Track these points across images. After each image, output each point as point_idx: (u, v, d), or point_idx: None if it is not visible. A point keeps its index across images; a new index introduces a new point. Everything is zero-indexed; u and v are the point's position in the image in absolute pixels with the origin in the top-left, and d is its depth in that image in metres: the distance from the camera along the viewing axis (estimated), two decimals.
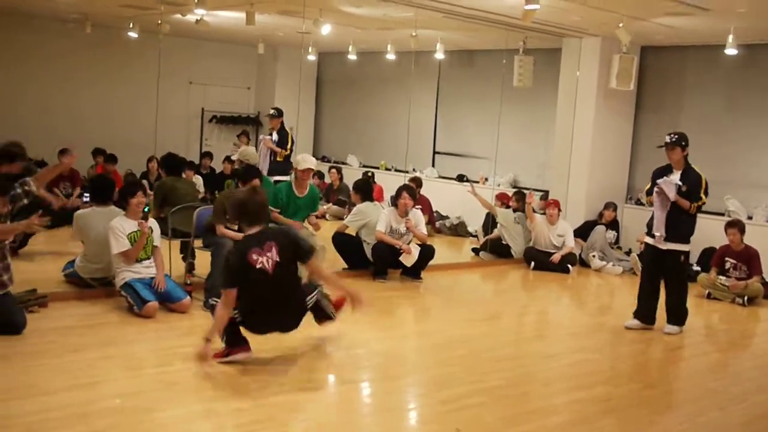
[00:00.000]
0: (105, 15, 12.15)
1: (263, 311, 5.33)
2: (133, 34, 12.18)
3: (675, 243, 7.08)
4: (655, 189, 7.02)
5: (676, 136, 7.10)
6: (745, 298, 8.82)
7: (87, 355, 5.45)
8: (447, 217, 13.00)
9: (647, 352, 6.81)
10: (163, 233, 7.27)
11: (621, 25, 9.26)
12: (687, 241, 7.18)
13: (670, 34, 10.13)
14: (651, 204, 7.26)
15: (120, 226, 6.61)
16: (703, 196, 7.03)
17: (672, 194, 6.93)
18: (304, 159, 8.06)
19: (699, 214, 7.20)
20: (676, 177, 7.04)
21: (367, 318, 7.24)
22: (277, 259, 5.22)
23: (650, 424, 5.01)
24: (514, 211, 11.12)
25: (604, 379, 5.91)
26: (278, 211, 7.82)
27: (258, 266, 5.18)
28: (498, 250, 10.73)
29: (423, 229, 9.01)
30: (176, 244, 7.90)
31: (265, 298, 5.26)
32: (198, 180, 11.94)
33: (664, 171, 7.18)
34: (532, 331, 7.47)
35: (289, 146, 10.76)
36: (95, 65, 13.62)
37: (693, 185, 7.00)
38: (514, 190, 12.03)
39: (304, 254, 5.35)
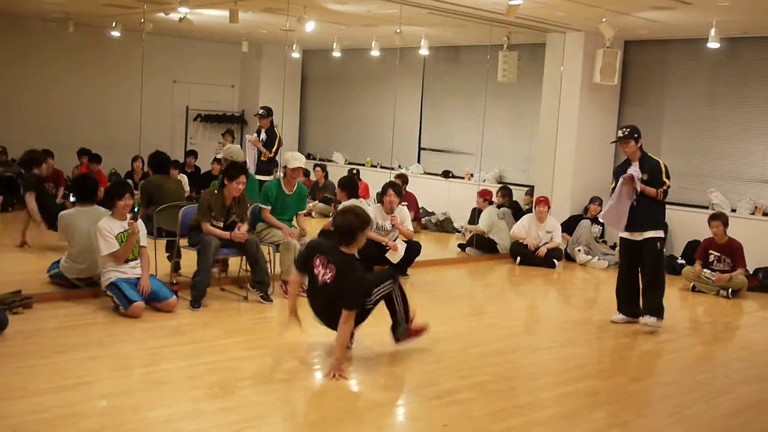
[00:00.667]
0: (87, 14, 12.08)
1: (313, 299, 5.64)
2: (116, 34, 12.11)
3: (650, 231, 7.15)
4: (624, 177, 7.03)
5: (628, 130, 7.20)
6: (730, 290, 8.89)
7: (73, 355, 5.42)
8: (433, 214, 13.02)
9: (634, 346, 6.84)
10: (149, 232, 7.24)
11: (604, 19, 9.30)
12: (661, 228, 7.26)
13: (653, 28, 10.18)
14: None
15: (108, 227, 6.56)
16: (666, 180, 7.10)
17: (637, 184, 7.00)
18: (294, 157, 7.96)
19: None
20: (634, 168, 7.11)
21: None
22: (329, 281, 5.38)
23: (638, 417, 5.03)
24: (499, 206, 11.16)
25: (591, 372, 5.95)
26: (269, 209, 7.76)
27: (314, 271, 5.47)
28: (484, 245, 10.75)
29: (409, 226, 9.01)
30: (162, 243, 7.87)
31: (314, 293, 5.57)
32: (183, 179, 11.89)
33: (624, 166, 7.25)
34: (519, 326, 7.48)
35: (275, 148, 10.75)
36: (78, 65, 13.54)
37: (653, 172, 7.09)
38: (499, 185, 12.07)
39: (346, 302, 5.30)
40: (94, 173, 11.90)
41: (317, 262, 5.44)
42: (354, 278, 5.34)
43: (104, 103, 13.68)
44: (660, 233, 7.24)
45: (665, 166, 7.17)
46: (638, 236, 7.18)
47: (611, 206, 7.17)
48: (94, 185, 7.55)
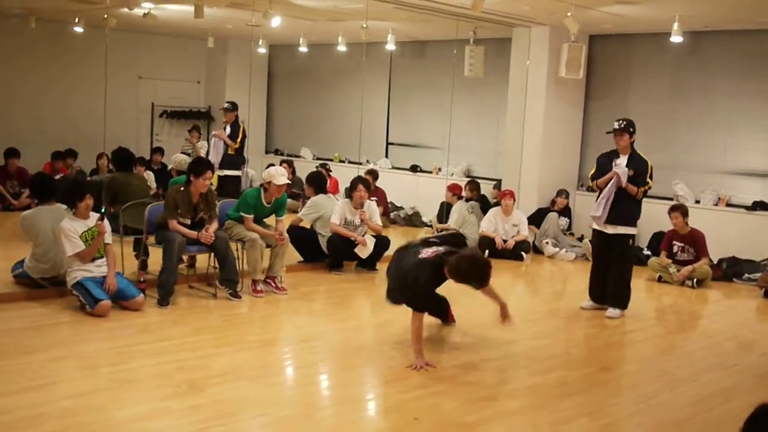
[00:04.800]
0: (49, 10, 11.89)
1: None
2: (79, 29, 11.95)
3: (623, 227, 7.24)
4: (616, 172, 7.13)
5: (624, 123, 7.26)
6: (695, 280, 9.01)
7: (39, 356, 5.35)
8: (401, 208, 13.03)
9: (601, 336, 6.92)
10: (114, 230, 7.16)
11: (569, 14, 9.35)
12: (634, 225, 7.35)
13: (617, 22, 10.26)
14: (597, 188, 7.38)
15: (71, 228, 6.47)
16: (649, 181, 7.21)
17: (624, 181, 7.09)
18: (279, 173, 7.68)
19: (645, 198, 7.36)
20: (622, 162, 7.19)
21: (324, 310, 7.26)
22: None
23: (606, 406, 5.09)
24: (467, 200, 11.19)
25: (560, 363, 6.00)
26: (251, 217, 7.63)
27: None
28: None
29: (377, 221, 9.02)
30: (128, 240, 7.79)
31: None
32: (149, 176, 11.80)
33: (610, 156, 7.34)
34: (488, 319, 7.50)
35: (239, 139, 10.69)
36: (40, 62, 13.32)
37: (639, 170, 7.16)
38: (467, 179, 12.10)
39: None
40: (58, 171, 11.77)
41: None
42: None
43: (68, 100, 13.49)
44: (632, 230, 7.34)
45: (651, 167, 7.24)
46: (611, 229, 7.26)
47: (603, 199, 7.18)
48: (52, 183, 7.42)
